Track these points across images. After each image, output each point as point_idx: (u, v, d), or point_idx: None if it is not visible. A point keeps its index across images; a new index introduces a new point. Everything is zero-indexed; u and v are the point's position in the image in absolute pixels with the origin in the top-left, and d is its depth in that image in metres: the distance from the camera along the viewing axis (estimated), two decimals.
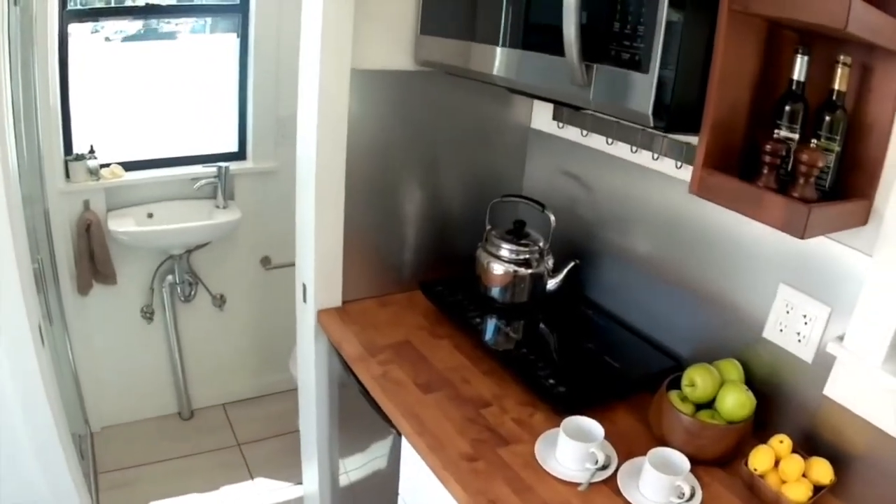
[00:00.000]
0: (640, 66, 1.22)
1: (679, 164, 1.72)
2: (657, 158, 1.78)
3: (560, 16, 1.28)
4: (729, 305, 1.65)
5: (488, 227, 2.02)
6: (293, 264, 3.15)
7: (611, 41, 1.26)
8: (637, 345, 1.88)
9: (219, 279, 3.17)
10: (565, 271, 1.95)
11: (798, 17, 1.16)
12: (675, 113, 1.25)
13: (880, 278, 1.30)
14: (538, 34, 1.47)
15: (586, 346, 1.86)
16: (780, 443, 1.42)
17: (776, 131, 1.34)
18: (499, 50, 1.57)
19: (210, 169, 2.93)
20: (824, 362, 1.43)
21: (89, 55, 2.77)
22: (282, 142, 3.06)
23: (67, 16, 2.62)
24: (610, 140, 1.90)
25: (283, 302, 3.23)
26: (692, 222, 1.72)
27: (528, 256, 1.92)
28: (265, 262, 3.25)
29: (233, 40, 2.99)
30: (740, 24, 1.25)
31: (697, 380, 1.51)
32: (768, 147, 1.27)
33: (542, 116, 2.16)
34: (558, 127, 2.08)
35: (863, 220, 1.33)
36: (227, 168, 2.94)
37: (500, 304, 1.97)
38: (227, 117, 3.11)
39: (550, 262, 1.95)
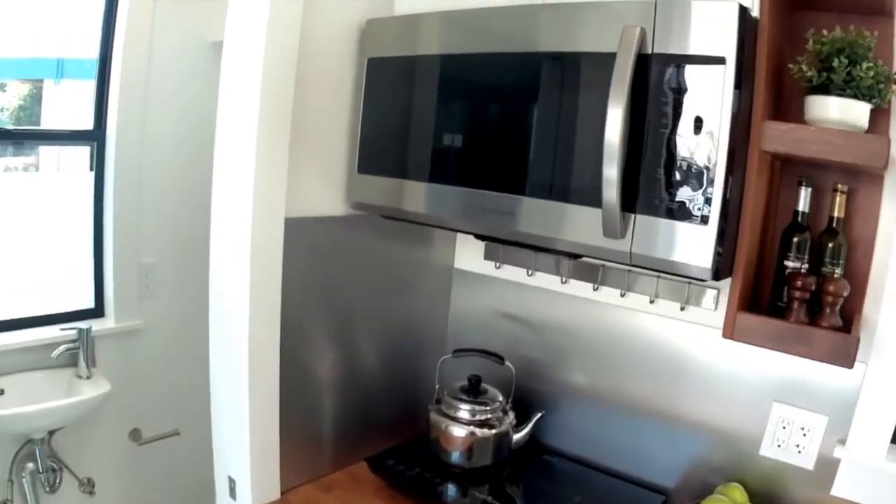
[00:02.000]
0: (696, 217, 1.13)
1: (652, 298, 1.69)
2: (624, 295, 1.72)
3: (567, 160, 1.21)
4: (716, 430, 1.61)
5: (437, 387, 1.82)
6: (168, 436, 2.77)
7: (653, 190, 1.16)
8: (619, 487, 1.75)
9: (84, 460, 2.59)
10: (531, 424, 1.78)
11: (842, 159, 1.14)
12: (723, 261, 1.17)
13: (877, 382, 1.38)
14: (538, 177, 1.35)
15: (572, 500, 1.69)
16: None
17: (785, 262, 1.35)
18: (472, 194, 1.44)
19: (69, 332, 2.44)
20: (826, 465, 1.47)
21: None
22: (146, 294, 2.66)
23: None
24: (564, 279, 1.81)
25: (159, 479, 2.83)
26: (665, 353, 1.68)
27: (489, 416, 1.74)
28: (135, 435, 2.74)
29: (85, 174, 2.55)
30: (763, 164, 1.23)
31: None
32: (799, 283, 1.26)
33: (467, 256, 2.03)
34: (495, 267, 1.95)
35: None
36: (88, 330, 2.46)
37: (461, 470, 1.75)
38: (81, 267, 2.61)
39: (513, 416, 1.78)
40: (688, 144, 1.13)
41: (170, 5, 2.46)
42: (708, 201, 1.11)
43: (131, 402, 2.61)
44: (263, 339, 1.60)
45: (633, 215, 1.19)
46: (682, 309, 1.63)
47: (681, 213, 1.14)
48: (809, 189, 1.33)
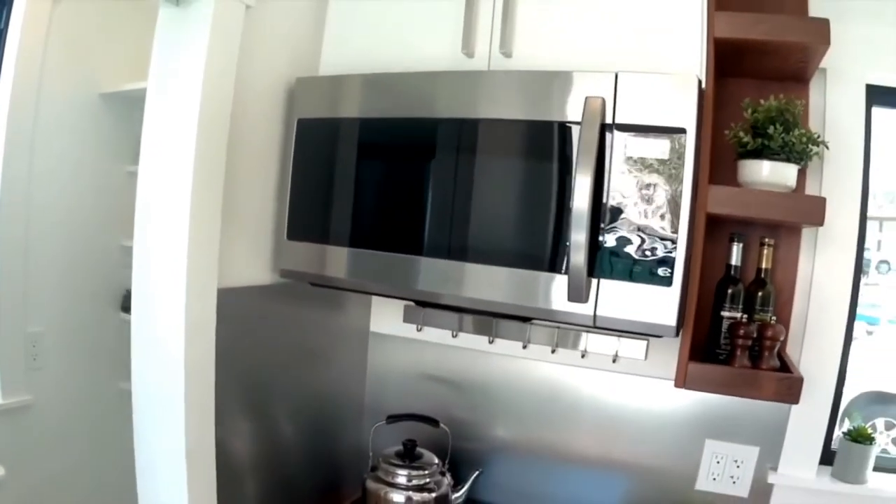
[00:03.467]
0: (660, 279, 1.16)
1: (553, 349, 1.74)
2: (554, 351, 1.74)
3: (518, 226, 1.25)
4: (652, 470, 1.67)
5: (372, 454, 1.75)
6: None
7: (615, 255, 1.19)
8: None
9: None
10: (468, 484, 1.75)
11: (783, 218, 1.22)
12: (679, 317, 1.21)
13: (804, 411, 1.51)
14: (484, 243, 1.34)
15: None
16: None
17: (722, 312, 1.43)
18: (424, 261, 1.40)
19: None
20: (760, 492, 1.60)
21: None
22: (34, 366, 2.37)
23: None
24: (491, 339, 1.81)
25: None
26: (596, 403, 1.72)
27: (427, 480, 1.69)
28: None
29: None
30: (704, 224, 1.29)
31: None
32: (741, 331, 1.33)
33: (384, 319, 1.97)
34: (417, 330, 1.91)
35: None
36: None
37: None
38: None
39: (450, 478, 1.74)
40: (649, 210, 1.16)
41: (59, 53, 2.25)
42: (670, 264, 1.16)
43: (25, 485, 2.31)
44: (199, 423, 1.46)
45: (595, 279, 1.21)
46: (614, 361, 1.68)
47: (644, 275, 1.17)
48: (741, 244, 1.42)
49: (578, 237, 1.16)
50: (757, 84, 1.38)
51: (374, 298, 1.96)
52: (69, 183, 2.37)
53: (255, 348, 1.57)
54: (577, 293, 1.20)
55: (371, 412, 1.96)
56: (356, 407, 1.99)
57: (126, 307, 2.53)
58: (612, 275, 1.20)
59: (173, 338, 1.40)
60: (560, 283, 1.23)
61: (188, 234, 1.36)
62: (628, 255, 1.18)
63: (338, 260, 1.51)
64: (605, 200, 1.19)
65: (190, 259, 1.38)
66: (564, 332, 1.72)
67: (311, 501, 1.85)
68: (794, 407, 1.51)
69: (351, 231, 1.49)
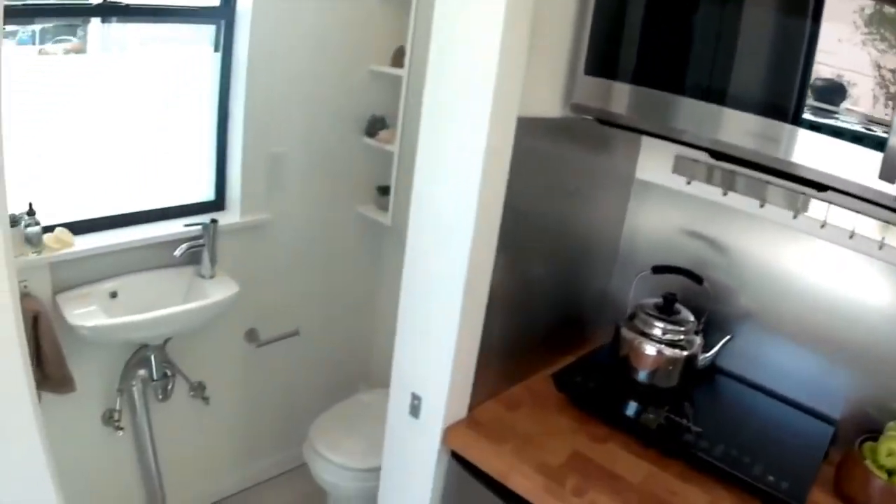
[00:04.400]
0: None
1: (823, 224, 1.64)
2: (824, 226, 1.65)
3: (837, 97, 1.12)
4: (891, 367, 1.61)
5: (632, 302, 1.79)
6: (287, 336, 2.74)
7: None
8: (790, 414, 1.76)
9: (196, 363, 2.50)
10: (717, 348, 1.77)
11: None
12: None
13: None
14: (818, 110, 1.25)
15: (746, 424, 1.71)
16: None
17: None
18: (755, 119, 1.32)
19: (193, 227, 2.25)
20: None
21: (17, 73, 1.96)
22: (275, 186, 2.47)
23: None
24: (762, 203, 1.74)
25: (271, 380, 2.80)
26: (853, 288, 1.65)
27: (681, 337, 1.72)
28: (251, 337, 2.65)
29: (209, 55, 2.30)
30: None
31: None
32: None
33: (651, 167, 1.92)
34: (686, 183, 1.86)
35: None
36: (215, 226, 2.29)
37: (647, 388, 1.74)
38: (201, 156, 2.41)
39: (701, 338, 1.76)
40: None
41: None
42: None
43: (250, 302, 2.51)
44: (482, 250, 1.52)
45: None
46: (881, 248, 1.59)
47: None
48: None
49: None
50: None
51: (644, 145, 1.91)
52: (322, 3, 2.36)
53: (526, 180, 1.57)
54: (890, 173, 1.14)
55: (624, 260, 2.00)
56: (609, 253, 2.01)
57: (370, 132, 2.59)
58: None
59: (468, 164, 1.41)
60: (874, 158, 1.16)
61: (498, 53, 1.32)
62: None
63: (630, 98, 1.47)
64: None
65: (498, 80, 1.34)
66: (836, 210, 1.61)
67: (554, 339, 1.94)
68: None
69: (647, 68, 1.44)
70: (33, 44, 1.99)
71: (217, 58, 2.30)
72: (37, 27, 1.97)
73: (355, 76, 2.55)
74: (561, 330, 1.97)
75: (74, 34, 2.04)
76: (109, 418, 2.30)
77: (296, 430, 2.73)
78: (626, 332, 1.75)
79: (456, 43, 1.41)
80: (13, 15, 1.88)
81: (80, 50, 2.08)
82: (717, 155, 1.45)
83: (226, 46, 2.29)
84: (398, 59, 2.50)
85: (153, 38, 2.20)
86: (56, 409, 2.11)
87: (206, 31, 2.28)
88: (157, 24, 2.18)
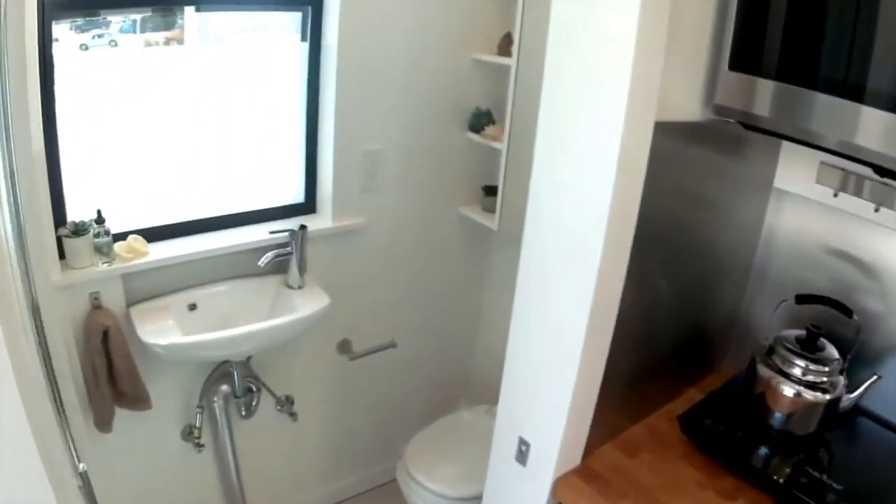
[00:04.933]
0: None
1: None
2: None
3: None
4: None
5: (770, 332, 1.52)
6: (383, 349, 2.51)
7: None
8: None
9: (283, 377, 2.33)
10: (863, 388, 1.47)
11: None
12: None
13: None
14: None
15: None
16: None
17: None
18: None
19: (277, 234, 2.05)
20: None
21: (82, 69, 1.78)
22: (370, 187, 2.27)
23: (51, 8, 1.64)
24: None
25: (364, 394, 2.63)
26: None
27: (824, 379, 1.43)
28: (344, 348, 2.46)
29: (296, 45, 2.08)
30: None
31: None
32: None
33: (792, 175, 1.62)
34: (833, 195, 1.54)
35: None
36: (304, 232, 2.07)
37: (781, 434, 1.47)
38: (289, 155, 2.20)
39: (845, 377, 1.47)
40: None
41: None
42: None
43: (343, 311, 2.32)
44: (613, 268, 1.28)
45: None
46: None
47: None
48: None
49: None
50: None
51: (785, 150, 1.61)
52: None
53: (659, 188, 1.31)
54: None
55: (757, 279, 1.74)
56: (742, 272, 1.74)
57: (475, 127, 2.35)
58: None
59: (598, 171, 1.19)
60: None
61: (634, 45, 1.09)
62: None
63: (775, 96, 1.21)
64: None
65: (634, 76, 1.11)
66: None
67: (678, 370, 1.70)
68: None
69: (796, 61, 1.18)
70: (134, 32, 1.85)
71: (304, 47, 2.10)
72: (137, 16, 1.84)
73: (457, 66, 2.30)
74: (685, 359, 1.72)
75: (167, 26, 1.89)
76: (189, 434, 2.17)
77: (388, 445, 2.55)
78: (762, 369, 1.48)
79: (579, 31, 1.19)
80: (76, 7, 1.74)
81: (179, 39, 1.92)
82: (880, 170, 1.19)
83: (313, 35, 2.09)
84: (505, 47, 2.23)
85: (244, 27, 2.03)
86: (135, 423, 2.02)
87: (294, 19, 2.08)
88: (243, 10, 2.00)
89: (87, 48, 1.78)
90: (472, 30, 2.26)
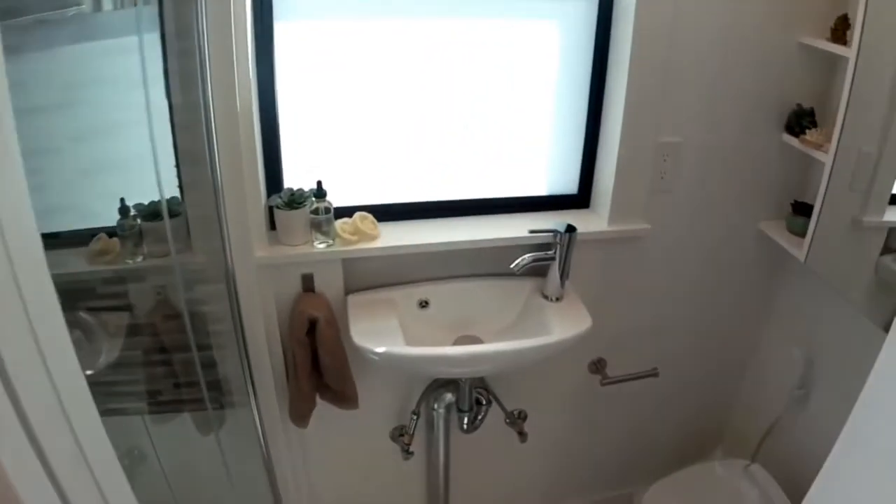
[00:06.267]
0: None
1: None
2: None
3: None
4: None
5: None
6: (641, 377, 1.99)
7: None
8: None
9: (520, 389, 2.01)
10: None
11: None
12: None
13: None
14: None
15: None
16: None
17: None
18: None
19: (538, 234, 1.67)
20: None
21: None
22: (660, 188, 1.80)
23: None
24: None
25: (608, 422, 2.25)
26: None
27: None
28: (597, 369, 2.03)
29: (582, 24, 1.67)
30: None
31: None
32: None
33: None
34: None
35: None
36: (572, 236, 1.65)
37: None
38: (559, 141, 1.80)
39: None
40: None
41: None
42: None
43: (603, 327, 1.88)
44: None
45: None
46: None
47: None
48: None
49: None
50: None
51: None
52: None
53: None
54: None
55: None
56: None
57: (793, 128, 1.74)
58: None
59: None
60: None
61: None
62: None
63: None
64: None
65: None
66: None
67: None
68: None
69: None
70: None
71: (591, 29, 1.64)
72: None
73: (778, 51, 1.66)
74: None
75: None
76: (399, 436, 1.89)
77: (623, 477, 2.28)
78: None
79: None
80: None
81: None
82: None
83: (601, 14, 1.62)
84: (840, 32, 1.56)
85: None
86: (332, 425, 1.83)
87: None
88: None
89: None
90: (799, 7, 1.63)
